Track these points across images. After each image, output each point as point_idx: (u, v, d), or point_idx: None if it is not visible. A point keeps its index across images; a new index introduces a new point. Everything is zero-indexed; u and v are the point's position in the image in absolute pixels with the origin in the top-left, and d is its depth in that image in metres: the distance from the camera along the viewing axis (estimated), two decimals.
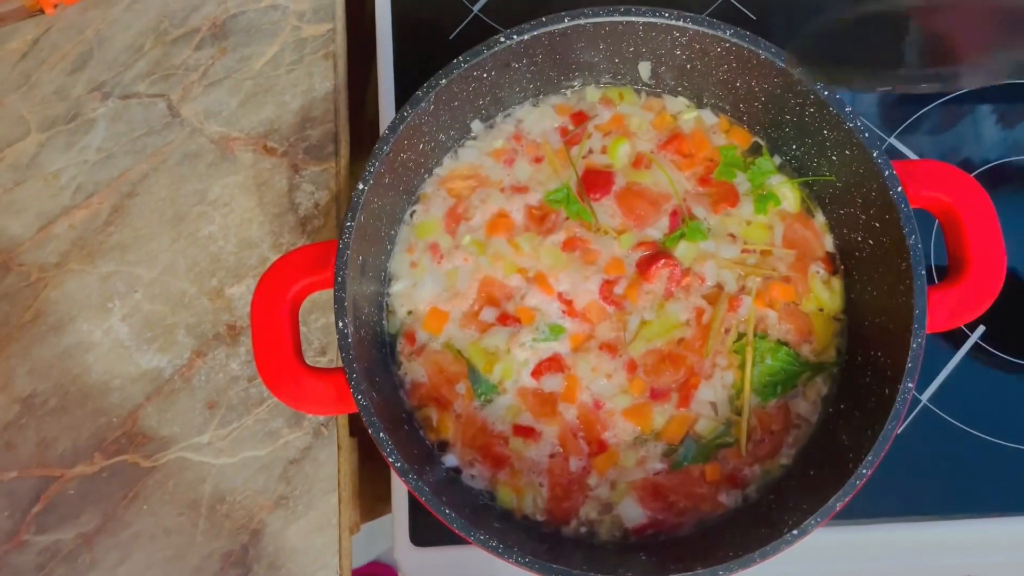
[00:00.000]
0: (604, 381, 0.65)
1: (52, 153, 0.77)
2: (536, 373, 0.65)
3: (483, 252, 0.67)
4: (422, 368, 0.66)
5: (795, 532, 0.55)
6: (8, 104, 0.79)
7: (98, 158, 0.77)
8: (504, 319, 0.66)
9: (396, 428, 0.60)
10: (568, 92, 0.70)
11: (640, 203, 0.68)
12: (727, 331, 0.65)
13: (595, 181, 0.68)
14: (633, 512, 0.64)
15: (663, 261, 0.66)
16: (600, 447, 0.64)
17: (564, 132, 0.70)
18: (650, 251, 0.67)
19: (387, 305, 0.67)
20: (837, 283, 0.67)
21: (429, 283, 0.67)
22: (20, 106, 0.79)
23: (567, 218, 0.67)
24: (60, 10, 0.81)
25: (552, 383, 0.65)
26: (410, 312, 0.67)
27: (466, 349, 0.66)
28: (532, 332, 0.65)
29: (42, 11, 0.81)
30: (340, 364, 0.67)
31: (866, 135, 0.59)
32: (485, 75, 0.63)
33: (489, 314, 0.66)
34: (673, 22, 0.61)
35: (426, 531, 0.70)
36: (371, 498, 0.84)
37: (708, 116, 0.70)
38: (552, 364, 0.65)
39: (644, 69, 0.68)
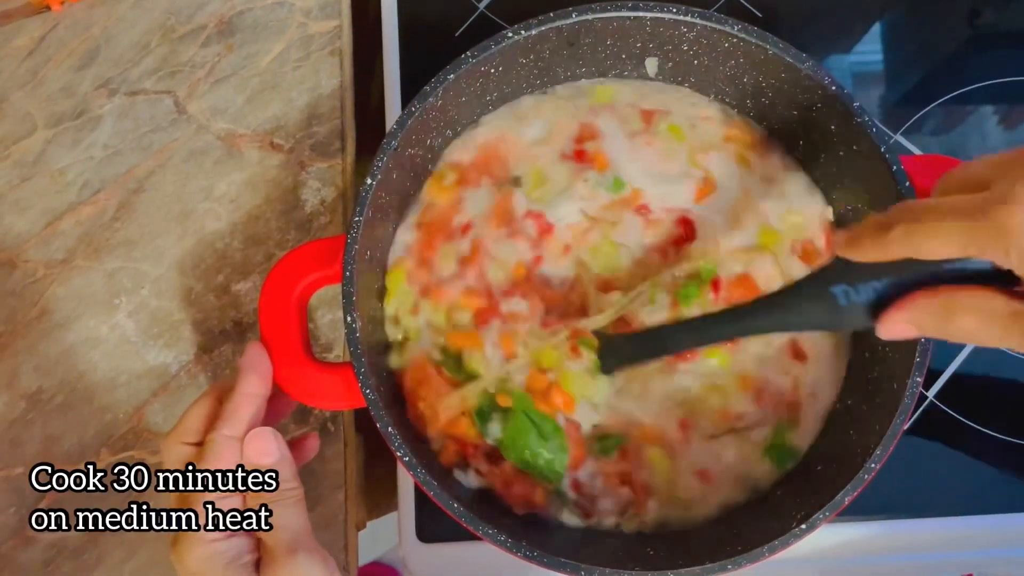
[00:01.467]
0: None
1: (59, 150, 0.77)
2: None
3: None
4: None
5: (803, 526, 0.55)
6: (15, 101, 0.79)
7: (104, 155, 0.77)
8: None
9: (403, 423, 0.60)
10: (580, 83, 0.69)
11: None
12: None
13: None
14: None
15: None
16: None
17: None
18: None
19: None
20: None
21: None
22: (27, 103, 0.79)
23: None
24: (67, 7, 0.81)
25: None
26: None
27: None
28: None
29: (48, 8, 0.81)
30: (347, 359, 0.67)
31: (874, 130, 0.59)
32: (492, 71, 0.63)
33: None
34: (681, 17, 0.61)
35: (433, 527, 0.70)
36: (376, 495, 0.84)
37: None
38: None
39: (651, 65, 0.68)
